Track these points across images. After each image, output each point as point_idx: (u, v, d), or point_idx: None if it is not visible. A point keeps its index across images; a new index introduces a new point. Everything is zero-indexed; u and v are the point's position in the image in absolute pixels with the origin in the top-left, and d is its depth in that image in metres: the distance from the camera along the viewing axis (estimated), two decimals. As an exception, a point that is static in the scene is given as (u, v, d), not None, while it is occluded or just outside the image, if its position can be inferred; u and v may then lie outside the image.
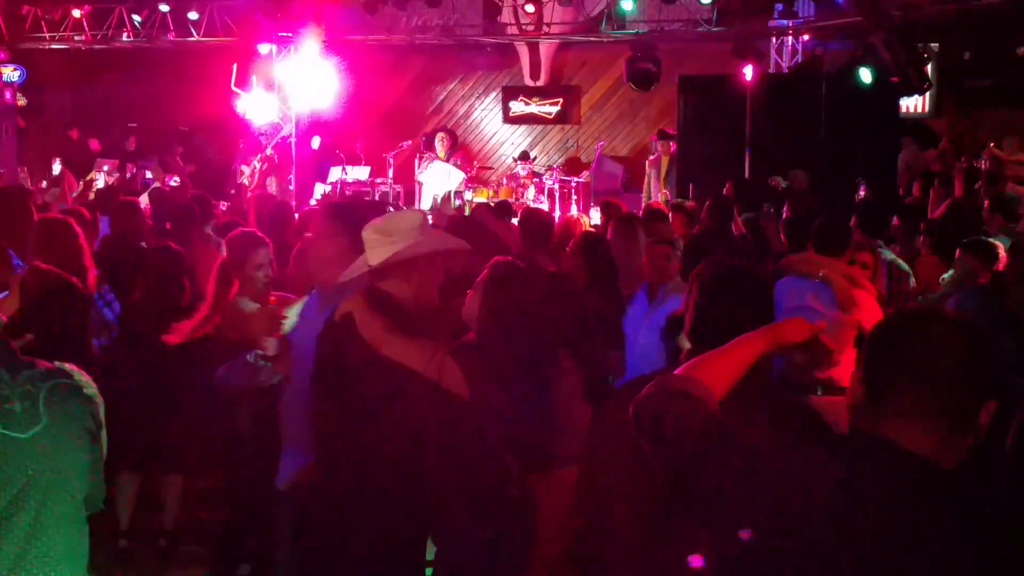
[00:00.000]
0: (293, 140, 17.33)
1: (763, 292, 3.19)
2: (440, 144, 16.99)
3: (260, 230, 6.59)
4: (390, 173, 17.12)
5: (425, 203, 15.85)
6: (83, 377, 2.93)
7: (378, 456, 3.57)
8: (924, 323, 2.14)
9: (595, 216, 12.54)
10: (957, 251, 6.72)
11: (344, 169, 17.22)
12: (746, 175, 13.69)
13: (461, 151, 17.93)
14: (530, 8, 15.59)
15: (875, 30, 11.88)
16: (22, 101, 17.13)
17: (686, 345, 3.15)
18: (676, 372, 2.42)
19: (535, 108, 18.87)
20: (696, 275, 3.21)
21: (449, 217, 9.49)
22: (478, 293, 4.38)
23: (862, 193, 11.79)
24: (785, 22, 14.94)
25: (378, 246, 3.78)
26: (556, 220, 10.24)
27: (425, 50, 18.27)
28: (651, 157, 15.82)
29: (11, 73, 16.75)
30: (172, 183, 13.29)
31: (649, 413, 2.29)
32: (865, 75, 12.28)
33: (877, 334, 2.20)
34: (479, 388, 3.67)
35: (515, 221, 9.22)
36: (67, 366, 2.92)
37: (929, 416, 2.05)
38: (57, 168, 15.63)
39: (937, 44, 14.26)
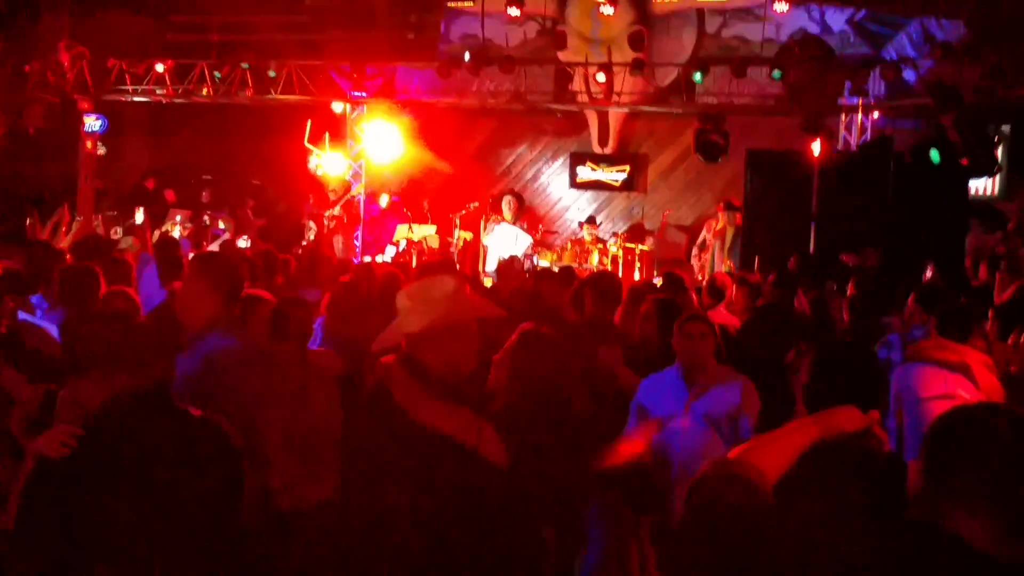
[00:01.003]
0: (362, 198, 17.62)
1: (879, 370, 3.30)
2: (507, 207, 17.16)
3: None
4: (456, 233, 17.30)
5: (490, 265, 15.99)
6: (230, 428, 3.08)
7: (412, 523, 3.51)
8: (988, 417, 2.16)
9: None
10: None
11: (411, 227, 17.45)
12: (811, 250, 13.66)
13: (527, 214, 18.10)
14: (601, 77, 15.75)
15: (945, 111, 11.87)
16: (102, 150, 17.59)
17: None
18: (731, 456, 2.46)
19: (602, 175, 19.00)
20: (812, 351, 3.30)
21: (511, 281, 9.59)
22: (504, 361, 4.42)
23: (929, 274, 11.70)
24: (855, 100, 14.94)
25: (412, 313, 3.73)
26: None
27: (495, 113, 18.52)
28: (716, 227, 15.84)
29: (93, 123, 17.24)
30: (242, 242, 13.53)
31: (704, 496, 2.33)
32: (935, 155, 12.25)
33: (941, 425, 2.23)
34: (519, 458, 3.65)
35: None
36: (215, 417, 3.08)
37: (987, 510, 2.07)
38: (140, 217, 15.97)
39: (1008, 126, 14.18)
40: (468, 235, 17.18)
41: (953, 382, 5.83)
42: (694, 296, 9.68)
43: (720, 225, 15.71)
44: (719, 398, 5.35)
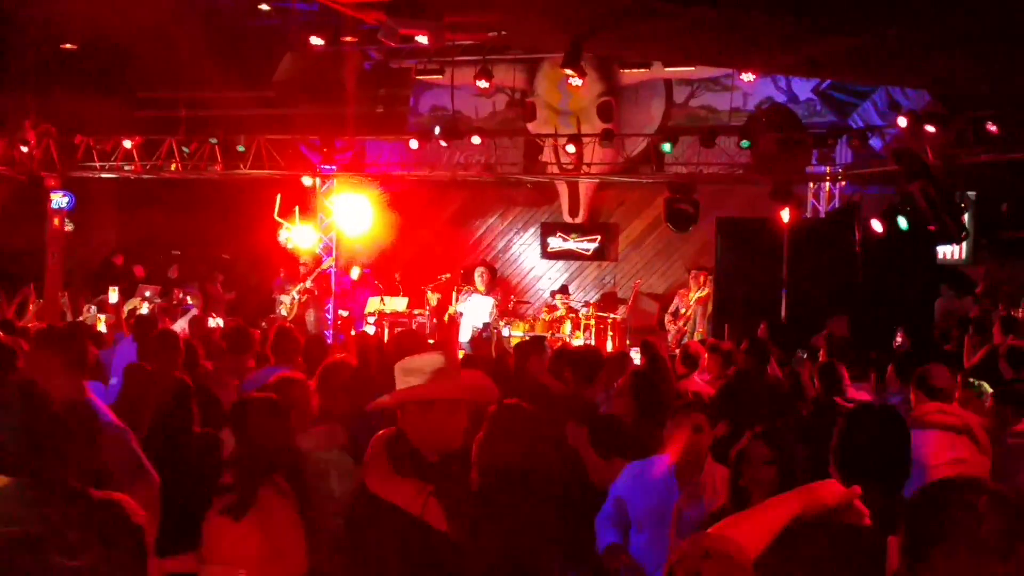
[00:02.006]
0: (333, 271, 17.57)
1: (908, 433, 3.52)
2: (480, 278, 17.12)
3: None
4: (446, 314, 17.24)
5: (464, 335, 15.91)
6: (131, 506, 2.98)
7: None
8: (965, 492, 2.12)
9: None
10: (989, 400, 6.66)
11: (382, 300, 17.39)
12: (783, 317, 13.68)
13: (500, 285, 18.08)
14: (571, 148, 15.83)
15: (912, 178, 11.97)
16: (69, 227, 17.48)
17: None
18: (710, 531, 2.40)
19: (573, 244, 19.03)
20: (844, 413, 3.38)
21: (486, 353, 9.55)
22: (482, 437, 4.40)
23: (899, 340, 11.74)
24: (822, 168, 15.09)
25: (400, 383, 3.90)
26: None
27: (466, 184, 18.57)
28: (699, 295, 15.77)
29: (60, 199, 17.14)
30: (213, 320, 13.42)
31: (683, 573, 2.26)
32: (902, 222, 12.34)
33: (919, 499, 2.19)
34: (484, 531, 3.78)
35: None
36: (116, 496, 2.97)
37: None
38: (114, 297, 15.83)
39: (974, 192, 14.33)
40: (436, 297, 17.07)
41: (960, 446, 5.80)
42: (669, 365, 9.63)
43: (705, 292, 15.70)
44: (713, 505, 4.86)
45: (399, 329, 15.97)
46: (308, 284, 17.26)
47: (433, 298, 17.02)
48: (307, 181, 17.68)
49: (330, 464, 5.18)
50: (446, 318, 16.74)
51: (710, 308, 15.57)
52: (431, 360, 3.99)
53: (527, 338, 15.98)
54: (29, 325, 10.84)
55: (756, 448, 4.28)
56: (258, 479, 4.48)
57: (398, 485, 3.74)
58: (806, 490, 2.57)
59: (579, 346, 13.21)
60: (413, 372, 3.91)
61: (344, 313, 17.59)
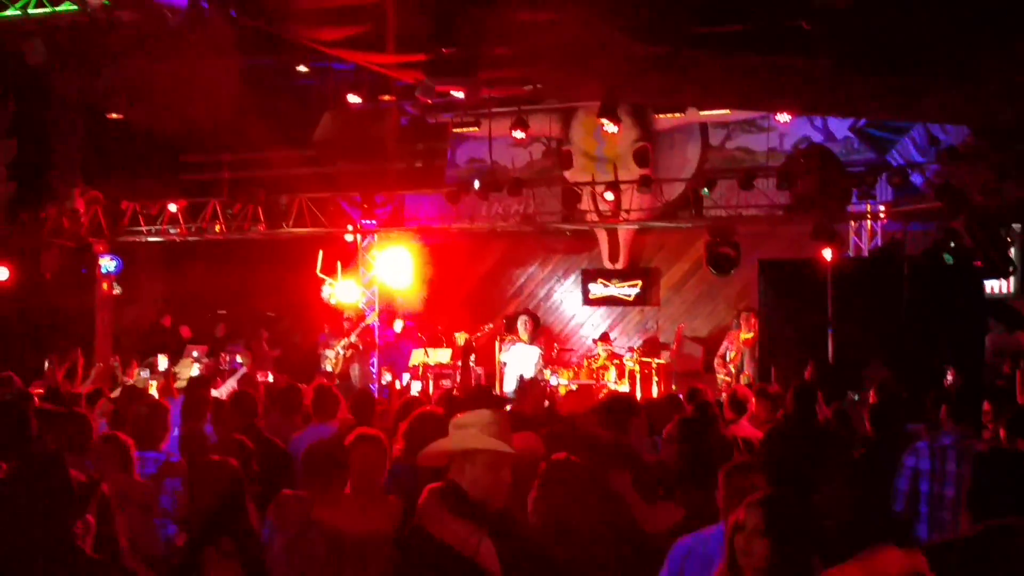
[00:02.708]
0: (376, 325, 17.65)
1: None
2: (523, 327, 17.14)
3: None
4: (472, 357, 17.25)
5: (508, 385, 15.92)
6: None
7: None
8: (1013, 536, 2.13)
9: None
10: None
11: (427, 352, 17.44)
12: (830, 358, 13.58)
13: (543, 333, 18.08)
14: (609, 196, 15.88)
15: (956, 214, 11.91)
16: (118, 290, 17.73)
17: None
18: None
19: (614, 290, 19.04)
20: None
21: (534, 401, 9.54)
22: (535, 490, 4.49)
23: (950, 378, 11.60)
24: (863, 206, 15.03)
25: (451, 437, 4.25)
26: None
27: (505, 235, 18.66)
28: (746, 336, 15.68)
29: (108, 264, 17.41)
30: (262, 378, 13.55)
31: None
32: (948, 258, 12.26)
33: (966, 545, 2.19)
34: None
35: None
36: None
37: None
38: (163, 364, 16.02)
39: (1020, 225, 14.21)
40: (463, 336, 17.05)
41: None
42: (717, 410, 9.59)
43: (751, 335, 15.61)
44: None
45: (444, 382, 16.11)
46: (353, 339, 17.35)
47: (460, 338, 17.02)
48: (349, 237, 17.85)
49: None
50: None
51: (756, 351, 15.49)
52: (481, 416, 4.26)
53: (573, 387, 16.05)
54: (82, 390, 10.97)
55: (752, 517, 4.02)
56: (202, 542, 4.59)
57: (452, 525, 3.97)
58: (867, 560, 2.56)
59: (609, 393, 13.13)
60: (464, 426, 4.19)
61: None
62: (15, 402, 7.08)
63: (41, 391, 10.26)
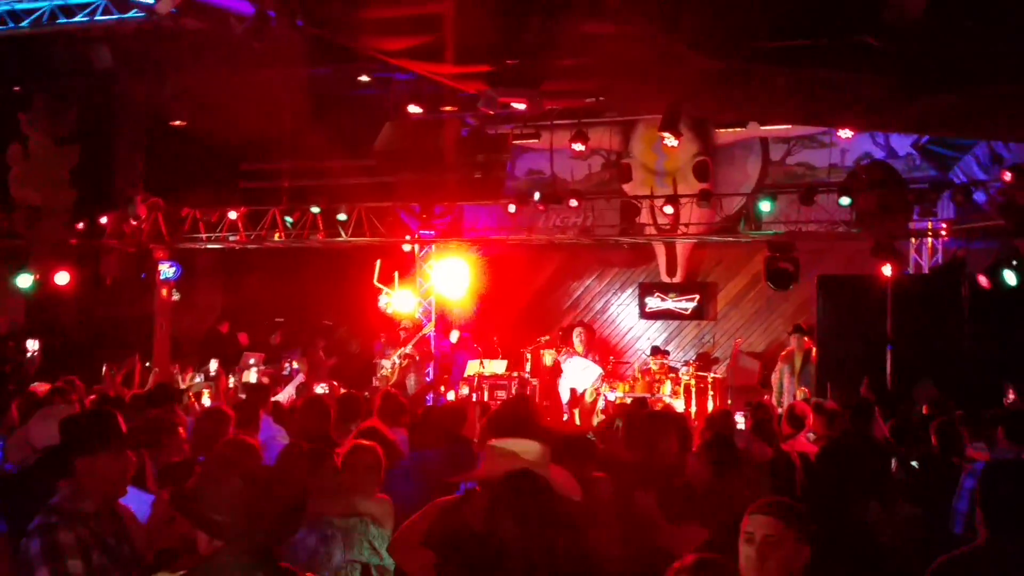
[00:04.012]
0: (432, 335, 17.74)
1: None
2: (578, 339, 17.13)
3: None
4: (527, 367, 17.29)
5: (563, 396, 15.92)
6: None
7: None
8: None
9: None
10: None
11: (482, 363, 17.49)
12: (888, 375, 13.45)
13: (598, 345, 18.06)
14: (669, 210, 15.83)
15: (1019, 232, 11.76)
16: (176, 296, 17.94)
17: None
18: None
19: (671, 304, 18.98)
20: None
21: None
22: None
23: (1011, 397, 11.44)
24: (924, 223, 14.88)
25: (490, 461, 4.24)
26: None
27: (563, 247, 18.68)
28: (783, 352, 15.67)
29: (168, 270, 17.62)
30: (318, 389, 13.67)
31: None
32: (1010, 277, 12.11)
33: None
34: None
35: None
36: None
37: None
38: (214, 367, 16.20)
39: (1083, 244, 14.01)
40: (551, 356, 17.05)
41: None
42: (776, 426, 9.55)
43: (787, 349, 15.56)
44: None
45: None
46: (408, 349, 17.45)
47: (548, 356, 17.01)
48: (407, 247, 17.97)
49: (342, 531, 5.36)
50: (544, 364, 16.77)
51: (798, 365, 15.38)
52: (527, 447, 4.21)
53: (628, 400, 16.01)
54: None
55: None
56: None
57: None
58: None
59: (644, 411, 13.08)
60: (506, 455, 4.14)
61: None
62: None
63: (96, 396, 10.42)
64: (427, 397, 15.67)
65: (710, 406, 15.82)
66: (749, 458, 7.34)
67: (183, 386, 15.46)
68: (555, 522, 4.00)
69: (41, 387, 10.34)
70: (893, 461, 8.45)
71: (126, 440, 4.64)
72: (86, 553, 4.30)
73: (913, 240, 15.89)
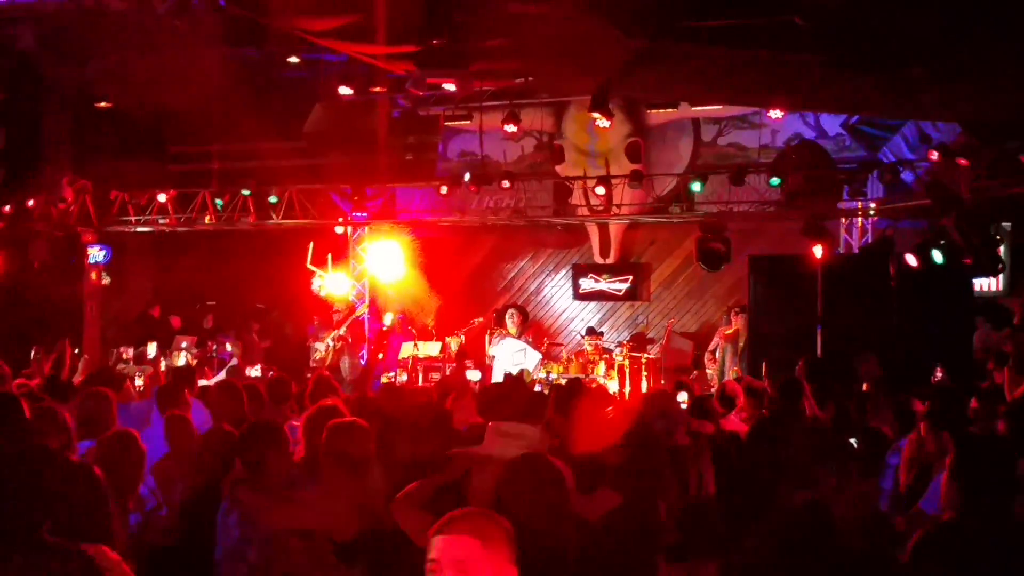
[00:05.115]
0: (366, 318, 17.63)
1: None
2: (511, 320, 17.12)
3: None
4: (453, 347, 17.26)
5: (496, 378, 15.90)
6: (108, 561, 2.97)
7: None
8: None
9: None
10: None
11: (416, 345, 17.41)
12: (819, 353, 13.58)
13: (532, 327, 18.07)
14: (600, 191, 15.85)
15: (946, 212, 11.90)
16: (106, 280, 17.66)
17: None
18: None
19: (605, 285, 19.03)
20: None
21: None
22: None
23: (939, 375, 11.59)
24: (854, 203, 15.02)
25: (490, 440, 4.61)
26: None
27: (496, 228, 18.65)
28: (727, 331, 15.78)
29: (97, 253, 17.34)
30: (252, 372, 13.53)
31: None
32: (937, 256, 12.24)
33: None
34: None
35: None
36: (90, 550, 2.97)
37: None
38: (152, 351, 15.97)
39: (1009, 224, 14.23)
40: (457, 341, 17.12)
41: None
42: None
43: (732, 329, 15.66)
44: None
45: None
46: (342, 331, 17.33)
47: (454, 343, 17.08)
48: (339, 229, 17.82)
49: None
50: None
51: (741, 345, 15.53)
52: (523, 430, 4.70)
53: (562, 381, 16.03)
54: (77, 380, 10.92)
55: None
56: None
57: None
58: None
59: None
60: (509, 436, 4.60)
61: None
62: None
63: (37, 381, 10.20)
64: (375, 379, 15.62)
65: (644, 386, 15.89)
66: (673, 440, 7.36)
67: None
68: (564, 502, 4.35)
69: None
70: (852, 439, 8.56)
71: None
72: None
73: (843, 220, 16.05)
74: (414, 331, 17.98)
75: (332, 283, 17.37)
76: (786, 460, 8.11)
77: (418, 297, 18.54)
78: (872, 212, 15.37)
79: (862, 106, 12.62)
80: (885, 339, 12.79)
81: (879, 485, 8.02)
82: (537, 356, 16.51)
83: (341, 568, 5.21)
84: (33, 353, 13.24)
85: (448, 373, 16.07)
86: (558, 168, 18.09)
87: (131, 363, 15.07)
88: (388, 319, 18.19)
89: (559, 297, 19.69)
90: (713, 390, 12.69)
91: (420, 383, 15.94)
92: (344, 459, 5.60)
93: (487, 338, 17.44)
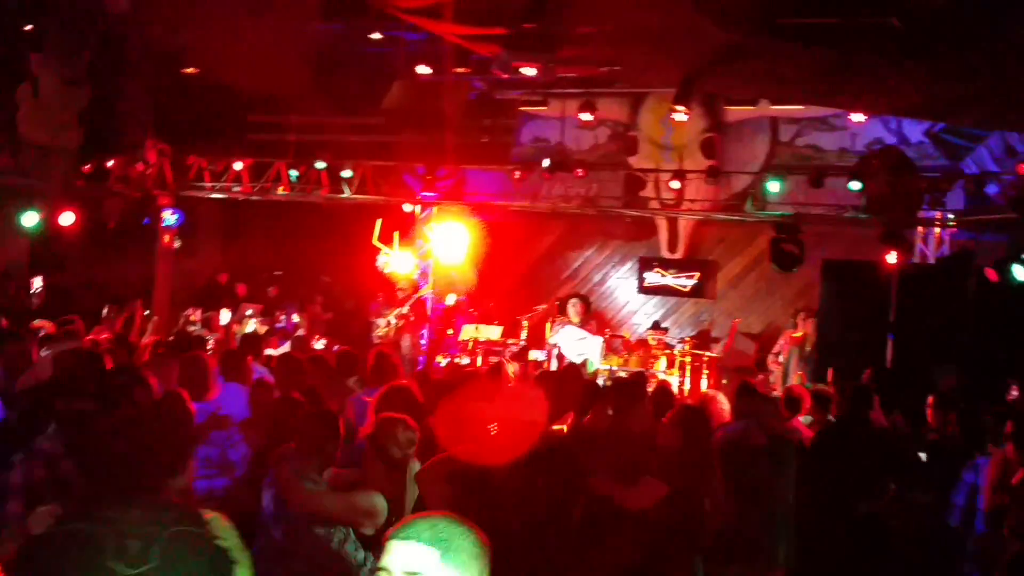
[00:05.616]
0: (429, 297, 17.64)
1: None
2: (573, 310, 17.02)
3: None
4: (523, 335, 17.21)
5: (552, 365, 15.84)
6: (222, 527, 2.94)
7: None
8: None
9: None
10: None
11: (477, 328, 17.40)
12: (888, 364, 13.39)
13: (594, 318, 17.97)
14: (675, 184, 15.70)
15: (1029, 226, 11.68)
16: (178, 244, 17.83)
17: None
18: None
19: (670, 280, 18.88)
20: None
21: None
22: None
23: (1014, 393, 11.35)
24: (933, 212, 14.75)
25: None
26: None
27: (564, 217, 18.56)
28: (795, 335, 15.54)
29: (170, 217, 17.50)
30: (316, 344, 13.62)
31: None
32: (1018, 272, 12.00)
33: None
34: None
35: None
36: (207, 514, 2.95)
37: None
38: (225, 318, 16.10)
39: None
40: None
41: None
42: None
43: (800, 333, 15.45)
44: None
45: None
46: (405, 310, 17.36)
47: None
48: (407, 208, 17.83)
49: None
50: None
51: (808, 350, 15.32)
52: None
53: (623, 373, 15.93)
54: (144, 341, 11.05)
55: None
56: None
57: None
58: None
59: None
60: None
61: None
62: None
63: (107, 336, 10.35)
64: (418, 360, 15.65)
65: (703, 385, 15.75)
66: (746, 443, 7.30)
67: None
68: (582, 487, 4.38)
69: (44, 324, 10.29)
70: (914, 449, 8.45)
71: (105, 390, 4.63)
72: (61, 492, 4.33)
73: (920, 229, 15.76)
74: (475, 313, 17.97)
75: (397, 261, 17.38)
76: (852, 469, 8.03)
77: (481, 280, 18.52)
78: (952, 222, 15.07)
79: (954, 114, 12.38)
80: (959, 353, 12.57)
81: (951, 500, 7.90)
82: (598, 343, 16.33)
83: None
84: (105, 311, 13.44)
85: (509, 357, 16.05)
86: (630, 160, 17.98)
87: (199, 326, 15.19)
88: (451, 300, 18.19)
89: (623, 289, 19.58)
90: (776, 393, 12.56)
91: (479, 365, 15.91)
92: (384, 453, 5.65)
93: (548, 326, 17.36)
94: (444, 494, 4.67)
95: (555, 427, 6.26)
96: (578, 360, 15.25)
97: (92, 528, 2.70)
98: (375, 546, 5.25)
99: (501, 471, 4.40)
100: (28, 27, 15.95)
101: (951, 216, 14.91)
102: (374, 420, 6.02)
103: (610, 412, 7.72)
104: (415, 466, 5.70)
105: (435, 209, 17.78)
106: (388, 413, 5.93)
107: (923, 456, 8.64)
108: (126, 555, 2.72)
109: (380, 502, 5.38)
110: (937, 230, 15.48)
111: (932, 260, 15.43)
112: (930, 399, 9.38)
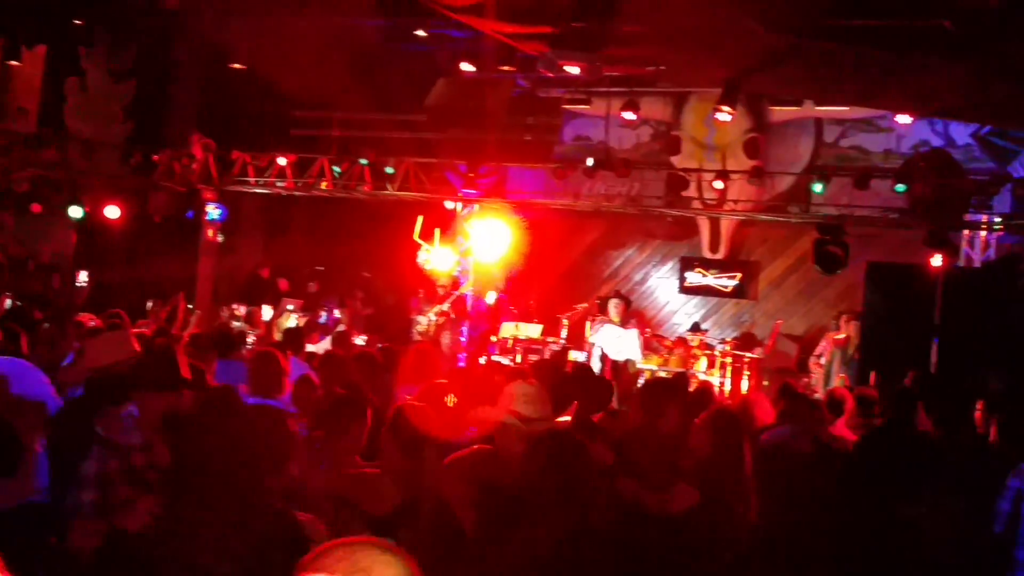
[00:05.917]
0: (469, 294, 17.67)
1: None
2: (614, 309, 16.98)
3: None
4: (563, 333, 17.20)
5: (595, 364, 15.81)
6: (316, 530, 2.98)
7: None
8: None
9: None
10: None
11: (517, 326, 17.41)
12: (933, 368, 13.26)
13: (634, 316, 17.92)
14: (719, 184, 15.62)
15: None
16: (221, 238, 17.95)
17: None
18: None
19: (712, 280, 18.82)
20: None
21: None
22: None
23: (1061, 399, 11.21)
24: (979, 216, 14.60)
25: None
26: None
27: (605, 215, 18.53)
28: (838, 337, 15.42)
29: (214, 211, 17.60)
30: (358, 340, 13.67)
31: None
32: (1064, 277, 11.88)
33: None
34: None
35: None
36: (302, 516, 3.00)
37: None
38: (267, 313, 16.21)
39: None
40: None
41: None
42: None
43: (843, 335, 15.33)
44: None
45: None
46: (446, 307, 17.40)
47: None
48: (449, 205, 17.86)
49: None
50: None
51: (850, 353, 15.21)
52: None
53: (662, 373, 15.88)
54: (186, 333, 11.12)
55: None
56: None
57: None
58: None
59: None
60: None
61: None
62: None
63: (150, 331, 10.43)
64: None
65: (744, 386, 15.69)
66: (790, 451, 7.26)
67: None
68: (588, 480, 4.22)
69: (87, 318, 10.39)
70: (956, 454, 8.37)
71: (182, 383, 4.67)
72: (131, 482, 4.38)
73: (966, 232, 15.61)
74: (515, 311, 17.98)
75: (437, 258, 17.42)
76: (894, 473, 7.97)
77: (521, 278, 18.54)
78: (998, 226, 14.91)
79: (1003, 117, 12.25)
80: (1004, 357, 12.43)
81: (997, 506, 7.82)
82: (634, 335, 16.18)
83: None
84: (150, 304, 13.55)
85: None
86: (673, 159, 17.94)
87: (242, 321, 15.31)
88: (491, 298, 18.22)
89: (664, 289, 19.54)
90: (818, 395, 12.49)
91: (518, 363, 15.92)
92: (400, 437, 5.64)
93: (588, 324, 17.34)
94: (468, 496, 4.65)
95: (559, 420, 6.18)
96: (620, 359, 15.25)
97: (190, 528, 2.75)
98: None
99: (523, 481, 4.36)
100: (77, 21, 16.14)
101: (998, 219, 14.76)
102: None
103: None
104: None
105: (476, 206, 17.79)
106: (408, 403, 5.94)
107: (965, 462, 8.56)
108: (222, 556, 2.76)
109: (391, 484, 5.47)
110: (983, 233, 15.33)
111: (978, 264, 15.29)
112: (979, 404, 9.28)
